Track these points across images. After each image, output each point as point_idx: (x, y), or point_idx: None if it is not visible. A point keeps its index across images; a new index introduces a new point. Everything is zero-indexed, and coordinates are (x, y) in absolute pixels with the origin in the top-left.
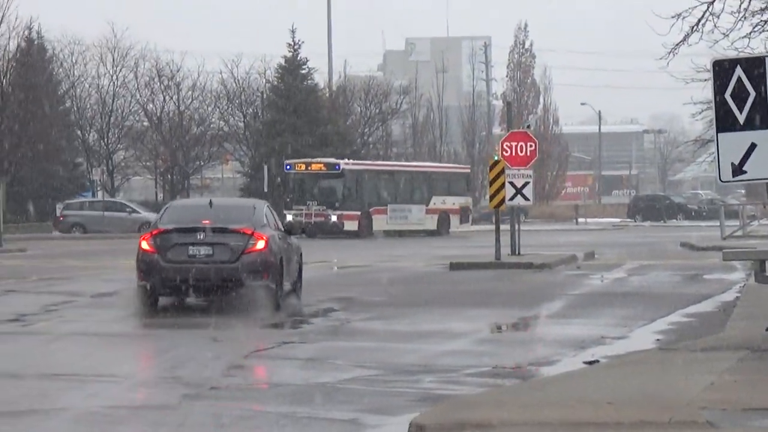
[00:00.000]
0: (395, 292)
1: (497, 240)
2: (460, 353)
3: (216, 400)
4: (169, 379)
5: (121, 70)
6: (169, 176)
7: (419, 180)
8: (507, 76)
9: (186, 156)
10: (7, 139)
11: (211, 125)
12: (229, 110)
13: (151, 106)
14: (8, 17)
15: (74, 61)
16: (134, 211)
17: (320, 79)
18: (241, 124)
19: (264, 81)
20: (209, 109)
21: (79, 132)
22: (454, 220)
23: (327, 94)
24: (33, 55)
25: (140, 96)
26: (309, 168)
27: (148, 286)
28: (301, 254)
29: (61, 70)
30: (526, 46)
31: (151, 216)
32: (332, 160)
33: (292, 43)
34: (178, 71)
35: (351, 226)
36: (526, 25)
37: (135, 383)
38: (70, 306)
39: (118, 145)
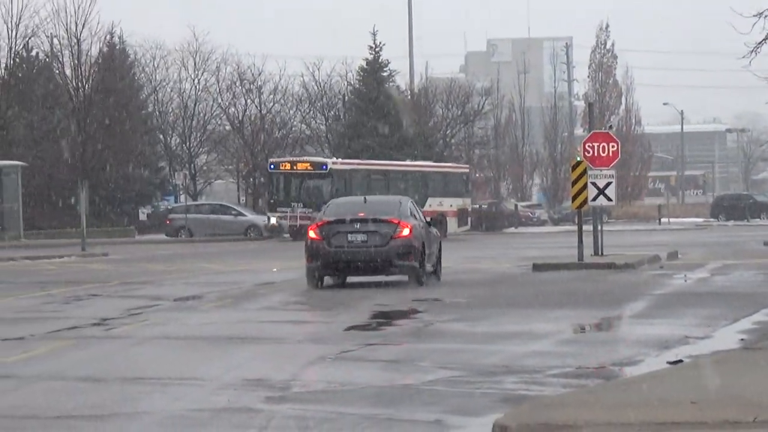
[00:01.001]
0: (478, 293)
1: (580, 241)
2: (544, 354)
3: (299, 403)
4: (252, 382)
5: (202, 74)
6: (251, 179)
7: (414, 180)
8: (589, 77)
9: (268, 159)
10: (90, 143)
11: (293, 128)
12: (311, 113)
13: (232, 109)
14: (90, 22)
15: (156, 65)
16: (240, 214)
17: (402, 81)
18: (323, 127)
19: (345, 83)
20: (291, 112)
21: (161, 136)
22: (452, 222)
23: (408, 96)
24: (115, 59)
25: (222, 100)
26: (295, 167)
27: (315, 268)
28: (440, 242)
29: (143, 74)
30: (608, 47)
31: (257, 218)
32: (319, 159)
33: (374, 46)
34: (259, 75)
35: None
36: (607, 26)
37: (218, 386)
38: (153, 310)
39: (200, 149)
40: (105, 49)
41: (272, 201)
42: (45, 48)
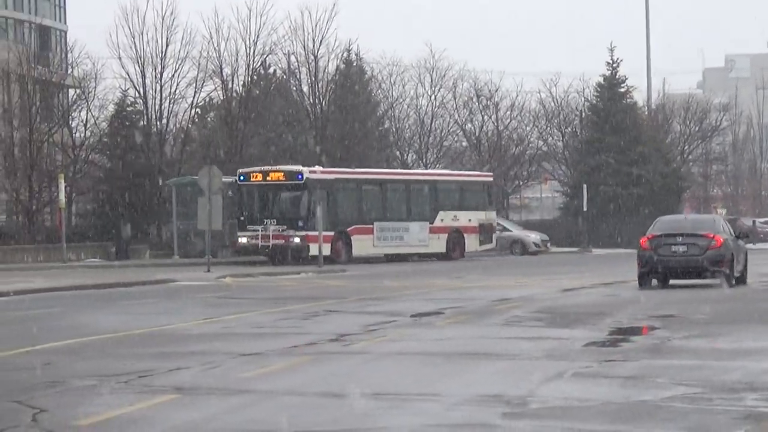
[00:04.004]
0: (717, 309)
1: None
2: None
3: (537, 419)
4: (489, 398)
5: (439, 91)
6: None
7: (420, 191)
8: None
9: (505, 175)
10: (329, 160)
11: (530, 145)
12: (548, 129)
13: (469, 126)
14: (327, 39)
15: (392, 82)
16: (506, 229)
17: (639, 97)
18: (560, 144)
19: (582, 100)
20: (527, 128)
21: (397, 153)
22: (471, 240)
23: (646, 113)
24: (352, 76)
25: (458, 116)
26: (267, 178)
27: (645, 272)
28: (746, 252)
29: (379, 91)
30: None
31: (522, 234)
32: (293, 168)
33: (611, 62)
34: (496, 91)
35: None
36: None
37: (456, 402)
38: (391, 325)
39: (437, 165)
40: (342, 65)
41: (242, 218)
42: (282, 65)
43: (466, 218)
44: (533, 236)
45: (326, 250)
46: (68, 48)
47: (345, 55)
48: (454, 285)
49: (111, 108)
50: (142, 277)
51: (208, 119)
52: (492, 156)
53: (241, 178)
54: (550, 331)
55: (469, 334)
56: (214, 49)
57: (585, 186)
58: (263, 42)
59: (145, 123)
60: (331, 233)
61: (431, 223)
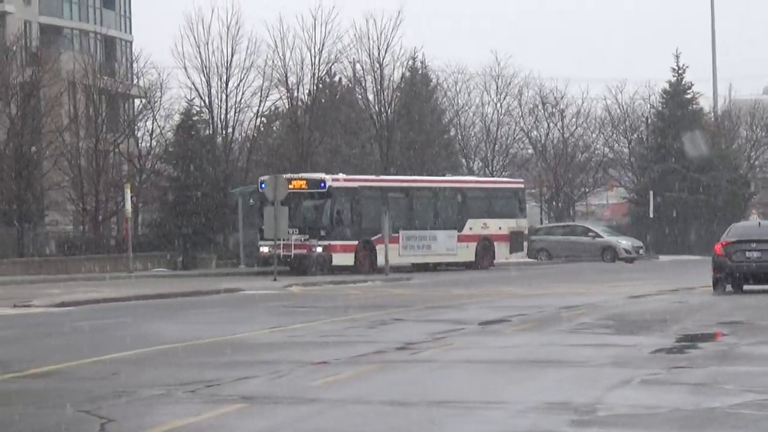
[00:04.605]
0: None
1: None
2: None
3: (604, 426)
4: (556, 405)
5: (504, 98)
6: (554, 203)
7: (448, 198)
8: None
9: (570, 182)
10: (393, 168)
11: (596, 151)
12: (614, 136)
13: (535, 133)
14: (393, 47)
15: (458, 89)
16: (598, 235)
17: (705, 103)
18: (626, 150)
19: (648, 106)
20: (593, 135)
21: (463, 160)
22: (501, 248)
23: (712, 119)
24: (417, 84)
25: (524, 123)
26: (289, 186)
27: (720, 278)
28: None
29: (444, 99)
30: None
31: (614, 240)
32: (317, 175)
33: (677, 68)
34: (561, 98)
35: (343, 259)
36: None
37: (522, 409)
38: (457, 334)
39: (503, 173)
40: (407, 73)
41: (263, 227)
42: (347, 73)
43: (496, 226)
44: (624, 242)
45: (349, 260)
46: (134, 58)
47: (410, 62)
48: (520, 293)
49: (176, 118)
50: (209, 287)
51: (274, 128)
52: (558, 163)
53: (263, 185)
54: (617, 338)
55: (536, 342)
56: (279, 57)
57: (651, 192)
58: (328, 50)
59: (210, 132)
60: (355, 242)
61: (460, 231)
